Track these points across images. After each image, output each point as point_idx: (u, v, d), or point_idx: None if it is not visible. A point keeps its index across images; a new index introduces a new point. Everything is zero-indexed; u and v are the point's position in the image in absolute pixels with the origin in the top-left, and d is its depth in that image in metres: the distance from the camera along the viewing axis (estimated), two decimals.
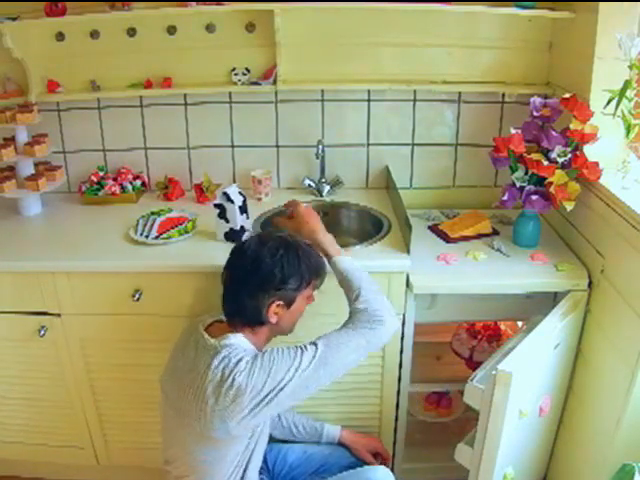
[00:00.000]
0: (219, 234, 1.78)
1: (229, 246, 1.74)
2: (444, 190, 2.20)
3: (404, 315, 1.72)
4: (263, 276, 1.35)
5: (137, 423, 1.90)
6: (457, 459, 1.57)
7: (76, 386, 1.85)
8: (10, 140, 1.97)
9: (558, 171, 1.65)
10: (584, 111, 1.61)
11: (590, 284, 1.66)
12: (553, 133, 1.67)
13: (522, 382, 1.40)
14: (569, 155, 1.65)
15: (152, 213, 1.87)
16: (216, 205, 1.76)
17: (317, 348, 1.30)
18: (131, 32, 2.01)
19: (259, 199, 2.11)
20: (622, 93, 1.52)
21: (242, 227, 1.78)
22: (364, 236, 1.88)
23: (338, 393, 1.78)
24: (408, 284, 1.67)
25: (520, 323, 2.01)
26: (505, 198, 1.75)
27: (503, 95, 2.04)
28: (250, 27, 1.99)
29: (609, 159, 1.64)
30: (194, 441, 1.36)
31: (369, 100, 2.10)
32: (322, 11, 1.96)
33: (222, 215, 1.75)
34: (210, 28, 2.00)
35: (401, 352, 1.76)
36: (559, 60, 1.94)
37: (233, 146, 2.18)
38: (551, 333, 1.52)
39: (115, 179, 2.13)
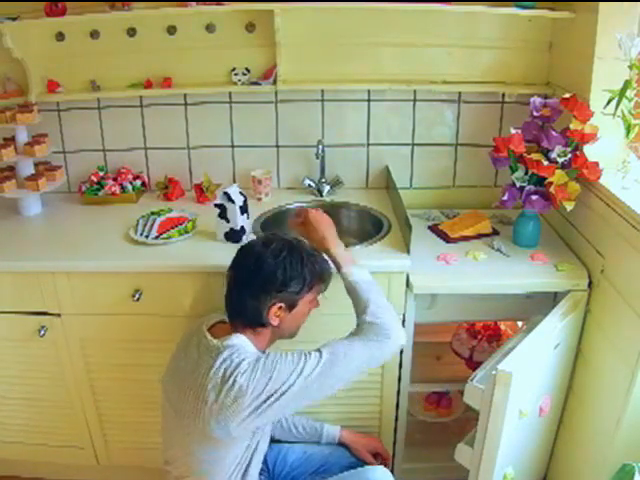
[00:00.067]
0: (219, 234, 1.78)
1: (229, 246, 1.75)
2: (444, 190, 2.20)
3: (404, 315, 1.72)
4: (265, 277, 1.34)
5: (137, 423, 1.90)
6: (457, 459, 1.57)
7: (76, 386, 1.85)
8: (10, 140, 1.98)
9: (558, 171, 1.65)
10: (584, 111, 1.61)
11: (590, 284, 1.66)
12: (553, 133, 1.67)
13: (522, 382, 1.40)
14: (569, 155, 1.65)
15: (152, 213, 1.87)
16: (217, 205, 1.76)
17: (321, 356, 1.29)
18: (131, 32, 2.01)
19: (259, 199, 2.11)
20: (622, 93, 1.52)
21: (242, 227, 1.78)
22: (364, 236, 1.88)
23: (338, 393, 1.78)
24: (408, 284, 1.67)
25: (520, 323, 2.01)
26: (505, 198, 1.75)
27: (503, 95, 2.05)
28: (250, 27, 2.00)
29: (609, 159, 1.64)
30: (194, 441, 1.36)
31: (369, 100, 2.10)
32: (322, 11, 1.96)
33: (223, 215, 1.75)
34: (210, 28, 2.00)
35: (401, 352, 1.76)
36: (559, 60, 1.94)
37: (233, 146, 2.18)
38: (551, 333, 1.52)
39: (115, 179, 2.13)
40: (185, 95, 2.10)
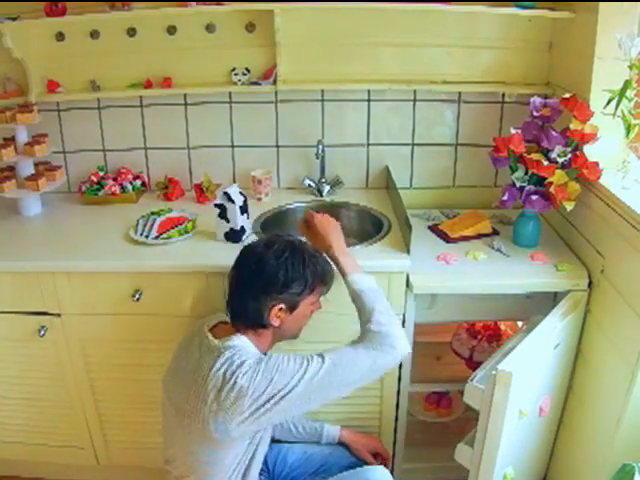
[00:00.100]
0: (219, 234, 1.78)
1: (229, 246, 1.75)
2: (444, 190, 2.20)
3: (404, 315, 1.72)
4: (266, 278, 1.34)
5: (137, 423, 1.90)
6: (457, 459, 1.57)
7: (76, 386, 1.85)
8: (10, 140, 1.98)
9: (558, 171, 1.65)
10: (584, 111, 1.61)
11: (590, 284, 1.66)
12: (553, 133, 1.67)
13: (522, 382, 1.40)
14: (569, 155, 1.65)
15: (152, 213, 1.87)
16: (217, 205, 1.76)
17: (324, 361, 1.28)
18: (131, 32, 2.01)
19: (259, 199, 2.11)
20: (622, 93, 1.52)
21: (242, 227, 1.78)
22: (364, 236, 1.88)
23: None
24: (408, 284, 1.67)
25: (520, 323, 2.01)
26: (505, 198, 1.75)
27: (503, 95, 2.05)
28: (250, 27, 2.00)
29: (609, 159, 1.64)
30: (194, 442, 1.36)
31: (369, 100, 2.10)
32: (322, 11, 1.96)
33: (223, 215, 1.75)
34: (210, 28, 2.00)
35: None
36: (559, 60, 1.94)
37: (233, 146, 2.18)
38: (551, 333, 1.52)
39: (115, 179, 2.13)
40: (185, 95, 2.10)
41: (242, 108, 2.12)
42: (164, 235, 1.78)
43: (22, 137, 1.97)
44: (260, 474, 1.52)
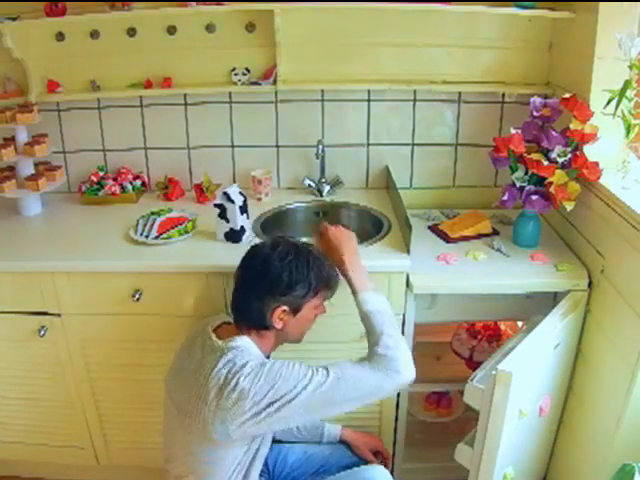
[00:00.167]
0: (219, 234, 1.78)
1: (229, 246, 1.76)
2: (444, 190, 2.20)
3: (404, 315, 1.72)
4: (271, 279, 1.34)
5: (137, 423, 1.90)
6: (457, 459, 1.57)
7: (76, 386, 1.85)
8: (10, 140, 1.98)
9: (558, 171, 1.65)
10: (584, 111, 1.61)
11: (590, 284, 1.66)
12: (553, 133, 1.67)
13: (522, 382, 1.40)
14: (569, 155, 1.65)
15: (152, 213, 1.87)
16: (216, 205, 1.76)
17: (328, 375, 1.27)
18: (131, 32, 2.01)
19: (259, 199, 2.11)
20: (622, 93, 1.52)
21: (242, 227, 1.78)
22: (364, 236, 1.88)
23: None
24: (408, 284, 1.67)
25: (520, 323, 2.01)
26: (505, 198, 1.75)
27: (503, 95, 2.05)
28: (250, 27, 2.00)
29: (609, 159, 1.64)
30: (194, 442, 1.36)
31: (369, 100, 2.10)
32: (322, 11, 1.96)
33: (222, 215, 1.75)
34: (210, 28, 2.00)
35: None
36: (559, 60, 1.94)
37: (233, 146, 2.18)
38: (551, 333, 1.52)
39: (115, 179, 2.13)
40: (185, 95, 2.10)
41: (242, 108, 2.12)
42: (164, 235, 1.78)
43: (22, 137, 1.97)
44: (260, 475, 1.52)
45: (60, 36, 2.01)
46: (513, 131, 1.72)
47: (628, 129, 1.58)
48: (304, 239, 2.05)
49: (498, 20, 1.96)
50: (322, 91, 2.09)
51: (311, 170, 2.17)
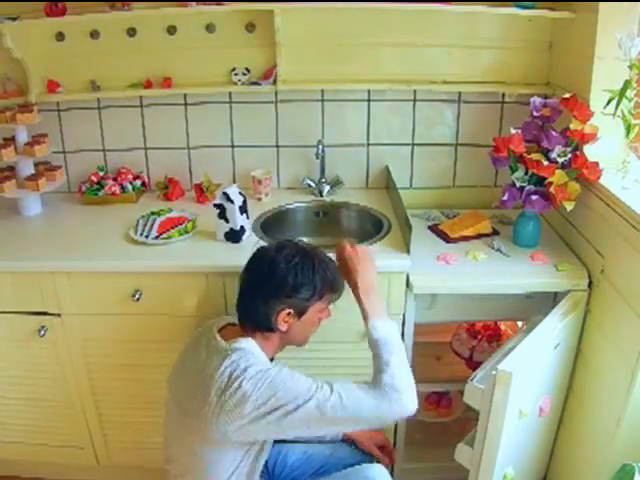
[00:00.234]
0: (219, 234, 1.78)
1: (229, 246, 1.76)
2: (444, 190, 2.20)
3: (404, 315, 1.72)
4: (276, 281, 1.34)
5: (137, 423, 1.90)
6: (457, 459, 1.57)
7: (76, 386, 1.85)
8: (10, 140, 1.98)
9: (558, 171, 1.65)
10: (584, 111, 1.61)
11: (590, 284, 1.66)
12: (553, 133, 1.67)
13: (522, 382, 1.40)
14: (569, 155, 1.65)
15: (152, 213, 1.87)
16: (216, 205, 1.76)
17: (332, 393, 1.26)
18: (131, 32, 2.01)
19: (259, 199, 2.11)
20: (622, 93, 1.53)
21: (242, 227, 1.78)
22: (364, 236, 1.88)
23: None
24: (408, 284, 1.67)
25: (520, 323, 2.01)
26: (505, 198, 1.75)
27: (503, 95, 2.05)
28: (250, 27, 2.00)
29: (609, 159, 1.64)
30: (195, 441, 1.36)
31: (369, 100, 2.10)
32: (322, 11, 1.96)
33: (222, 215, 1.75)
34: (210, 28, 2.00)
35: None
36: (559, 60, 1.94)
37: (233, 146, 2.18)
38: (551, 333, 1.52)
39: (115, 179, 2.13)
40: (185, 95, 2.10)
41: (242, 108, 2.12)
42: (164, 235, 1.78)
43: (22, 137, 1.97)
44: (260, 475, 1.52)
45: (60, 36, 2.01)
46: (513, 131, 1.72)
47: (628, 129, 1.58)
48: (304, 239, 2.06)
49: (498, 20, 1.96)
50: (322, 91, 2.09)
51: (311, 170, 2.17)
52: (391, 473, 1.53)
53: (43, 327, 1.75)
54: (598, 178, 1.61)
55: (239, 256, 1.70)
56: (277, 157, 2.19)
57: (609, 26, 1.59)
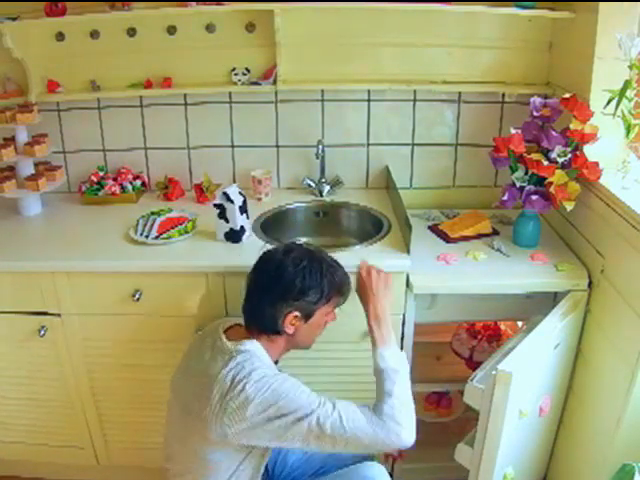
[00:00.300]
0: (219, 234, 1.78)
1: (229, 246, 1.76)
2: (444, 190, 2.20)
3: (404, 315, 1.72)
4: (284, 285, 1.34)
5: (137, 423, 1.90)
6: (457, 459, 1.57)
7: (76, 386, 1.85)
8: (10, 140, 1.98)
9: (558, 171, 1.65)
10: (584, 111, 1.61)
11: (590, 284, 1.66)
12: (553, 133, 1.67)
13: (522, 382, 1.40)
14: (569, 155, 1.65)
15: (152, 213, 1.87)
16: (216, 205, 1.76)
17: (334, 410, 1.26)
18: (131, 32, 2.01)
19: (259, 199, 2.11)
20: (622, 93, 1.53)
21: (242, 227, 1.78)
22: (364, 236, 1.88)
23: (338, 393, 1.78)
24: (408, 284, 1.67)
25: (520, 323, 2.01)
26: (505, 198, 1.75)
27: (503, 95, 2.05)
28: (250, 27, 2.00)
29: (609, 159, 1.64)
30: (195, 441, 1.35)
31: (369, 100, 2.10)
32: (322, 11, 1.96)
33: (222, 215, 1.75)
34: (210, 28, 2.00)
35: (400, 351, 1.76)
36: (559, 60, 1.94)
37: (233, 146, 2.18)
38: (551, 333, 1.52)
39: (115, 179, 2.13)
40: (185, 95, 2.10)
41: (242, 108, 2.12)
42: (164, 235, 1.78)
43: (22, 137, 1.97)
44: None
45: (60, 36, 2.01)
46: (513, 131, 1.72)
47: (628, 129, 1.58)
48: (304, 239, 2.07)
49: (498, 20, 1.96)
50: (322, 91, 2.09)
51: (311, 170, 2.17)
52: (391, 473, 1.53)
53: (43, 327, 1.75)
54: (598, 178, 1.61)
55: (239, 256, 1.71)
56: (277, 157, 2.19)
57: (609, 26, 1.59)
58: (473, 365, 2.03)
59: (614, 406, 1.51)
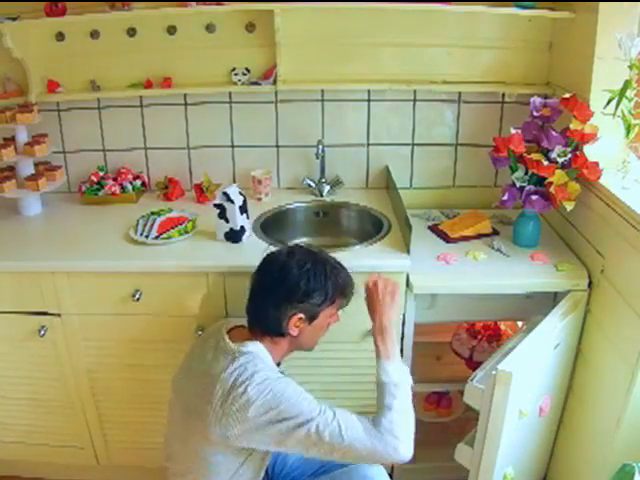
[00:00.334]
0: (219, 234, 1.78)
1: (229, 246, 1.76)
2: (444, 190, 2.20)
3: (404, 315, 1.72)
4: (288, 287, 1.34)
5: (137, 423, 1.90)
6: (457, 459, 1.57)
7: (76, 386, 1.85)
8: (10, 140, 1.97)
9: (558, 171, 1.65)
10: (584, 111, 1.61)
11: (590, 284, 1.66)
12: (553, 133, 1.67)
13: (522, 382, 1.40)
14: (569, 155, 1.65)
15: (152, 213, 1.87)
16: (216, 205, 1.76)
17: (333, 420, 1.25)
18: (131, 32, 2.01)
19: (259, 199, 2.11)
20: (622, 93, 1.53)
21: (242, 227, 1.78)
22: (364, 236, 1.88)
23: (338, 393, 1.78)
24: (408, 284, 1.67)
25: (520, 323, 2.01)
26: (505, 198, 1.75)
27: (503, 95, 2.05)
28: (250, 27, 2.00)
29: (609, 159, 1.64)
30: (196, 441, 1.35)
31: (369, 100, 2.10)
32: (322, 11, 1.96)
33: (222, 215, 1.75)
34: (210, 28, 2.00)
35: (401, 352, 1.75)
36: (559, 60, 1.94)
37: (233, 146, 2.18)
38: (551, 333, 1.52)
39: (115, 179, 2.13)
40: (185, 95, 2.10)
41: (242, 108, 2.12)
42: (164, 235, 1.78)
43: (22, 137, 1.97)
44: None
45: (60, 36, 2.01)
46: (513, 131, 1.72)
47: (628, 129, 1.58)
48: (304, 239, 2.07)
49: (498, 20, 1.96)
50: (322, 91, 2.09)
51: (311, 170, 2.17)
52: (390, 474, 1.53)
53: (43, 327, 1.75)
54: (598, 178, 1.61)
55: (239, 256, 1.71)
56: (277, 157, 2.19)
57: (609, 26, 1.59)
58: (473, 365, 2.03)
59: (614, 406, 1.51)
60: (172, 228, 1.81)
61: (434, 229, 1.95)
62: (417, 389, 1.95)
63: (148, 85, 2.04)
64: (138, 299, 1.70)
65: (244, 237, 1.79)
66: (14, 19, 1.88)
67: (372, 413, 1.85)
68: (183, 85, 2.06)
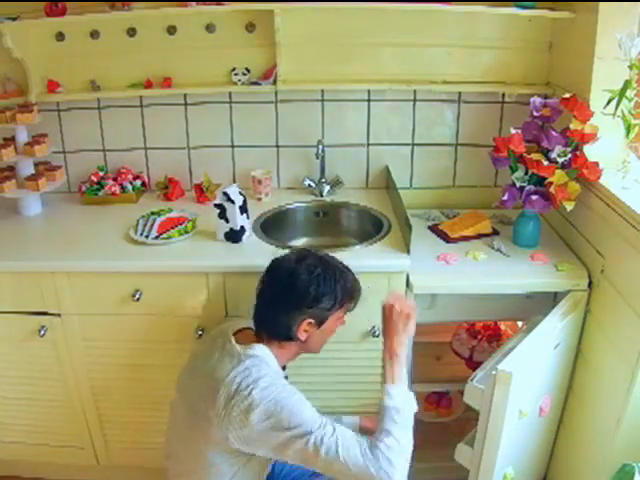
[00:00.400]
0: (219, 234, 1.78)
1: (229, 246, 1.76)
2: (444, 190, 2.20)
3: None
4: (298, 292, 1.34)
5: (137, 423, 1.90)
6: (457, 459, 1.57)
7: (76, 386, 1.85)
8: (10, 140, 1.98)
9: (558, 171, 1.65)
10: (584, 111, 1.61)
11: (590, 284, 1.66)
12: (553, 133, 1.67)
13: (522, 382, 1.40)
14: (569, 155, 1.65)
15: (152, 213, 1.87)
16: (216, 205, 1.76)
17: (332, 435, 1.24)
18: (131, 32, 2.01)
19: (259, 199, 2.11)
20: (622, 93, 1.53)
21: (242, 227, 1.78)
22: (364, 236, 1.88)
23: (338, 394, 1.79)
24: (408, 284, 1.67)
25: (520, 323, 2.01)
26: (505, 198, 1.75)
27: (503, 95, 2.05)
28: (250, 27, 2.00)
29: (609, 159, 1.64)
30: (198, 441, 1.35)
31: (369, 100, 2.10)
32: (322, 11, 1.96)
33: (222, 215, 1.75)
34: (210, 28, 2.00)
35: None
36: (559, 60, 1.94)
37: (233, 146, 2.18)
38: (551, 333, 1.52)
39: (115, 179, 2.13)
40: (185, 95, 2.10)
41: (242, 108, 2.12)
42: (164, 235, 1.78)
43: (22, 137, 1.97)
44: None
45: (60, 36, 2.01)
46: (513, 131, 1.72)
47: (628, 129, 1.58)
48: (304, 239, 2.07)
49: (498, 20, 1.96)
50: (322, 91, 2.09)
51: (311, 170, 2.17)
52: None
53: (43, 327, 1.75)
54: (598, 178, 1.61)
55: (239, 256, 1.71)
56: (277, 157, 2.19)
57: (609, 26, 1.59)
58: (473, 365, 2.03)
59: (614, 406, 1.51)
60: (172, 228, 1.81)
61: (434, 229, 1.95)
62: (417, 389, 1.96)
63: (148, 85, 2.04)
64: (138, 299, 1.70)
65: (244, 237, 1.79)
66: (14, 19, 1.88)
67: (372, 413, 1.86)
68: (183, 85, 2.06)
